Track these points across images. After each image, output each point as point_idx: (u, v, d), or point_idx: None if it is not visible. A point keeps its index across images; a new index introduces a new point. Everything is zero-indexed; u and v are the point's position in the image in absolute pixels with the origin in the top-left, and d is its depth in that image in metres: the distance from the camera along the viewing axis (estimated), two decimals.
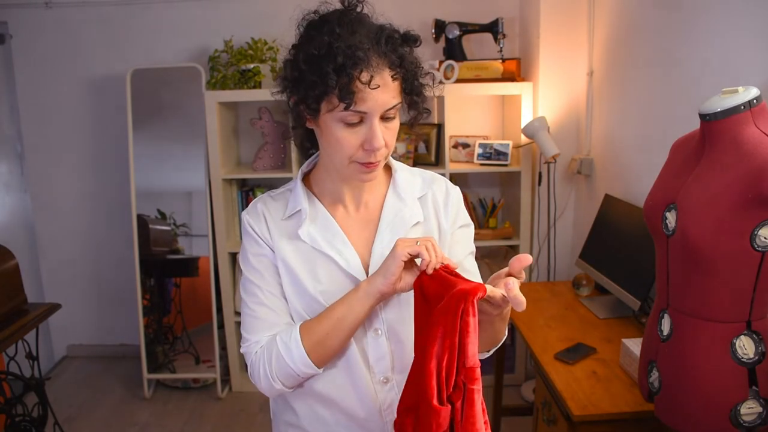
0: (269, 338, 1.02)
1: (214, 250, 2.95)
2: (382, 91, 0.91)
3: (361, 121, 0.93)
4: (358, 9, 0.95)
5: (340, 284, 1.02)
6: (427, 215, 1.09)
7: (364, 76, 0.89)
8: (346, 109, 0.90)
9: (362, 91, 0.90)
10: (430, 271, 0.90)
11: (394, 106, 0.94)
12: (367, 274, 1.02)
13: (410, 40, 0.97)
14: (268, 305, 1.04)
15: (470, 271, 1.10)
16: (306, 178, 1.11)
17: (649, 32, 2.17)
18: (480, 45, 3.03)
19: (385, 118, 0.95)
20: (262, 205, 1.08)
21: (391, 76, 0.92)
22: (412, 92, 0.98)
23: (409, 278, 0.95)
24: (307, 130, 1.05)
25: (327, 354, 1.00)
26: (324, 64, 0.89)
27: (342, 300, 0.99)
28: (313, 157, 1.12)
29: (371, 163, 0.96)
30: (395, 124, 0.98)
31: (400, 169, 1.12)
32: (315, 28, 0.94)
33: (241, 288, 1.08)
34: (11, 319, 2.06)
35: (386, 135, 0.95)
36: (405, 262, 0.93)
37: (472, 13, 2.96)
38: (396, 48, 0.94)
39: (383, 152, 0.96)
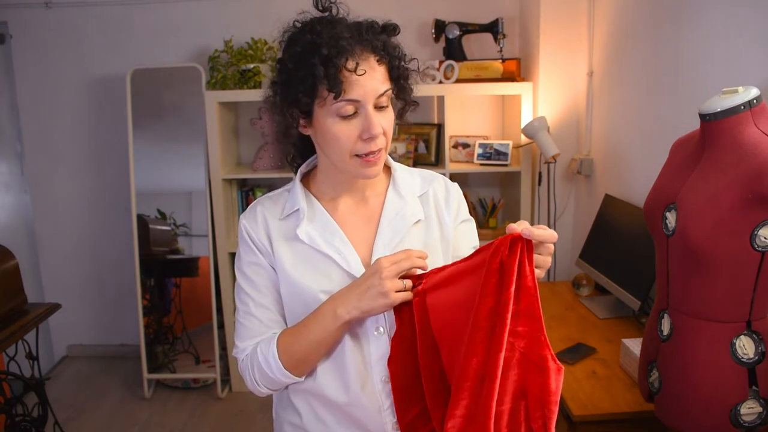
0: (253, 347, 1.05)
1: (214, 250, 2.95)
2: (370, 77, 0.93)
3: (355, 113, 0.94)
4: (333, 11, 0.97)
5: (341, 284, 1.01)
6: (428, 214, 1.08)
7: (350, 64, 0.91)
8: (336, 98, 0.91)
9: (350, 79, 0.91)
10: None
11: (385, 92, 0.95)
12: None
13: (389, 28, 0.99)
14: (257, 315, 1.06)
15: None
16: (305, 179, 1.11)
17: (649, 32, 2.17)
18: (480, 45, 3.03)
19: (378, 108, 0.95)
20: (262, 207, 1.08)
21: (377, 61, 0.94)
22: (399, 77, 0.99)
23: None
24: (298, 141, 1.07)
25: (308, 368, 1.03)
26: (310, 58, 0.91)
27: (317, 321, 0.99)
28: (311, 158, 1.11)
29: (373, 154, 0.96)
30: (389, 113, 0.98)
31: (399, 168, 1.12)
32: (296, 33, 0.96)
33: (235, 294, 1.10)
34: (11, 319, 2.05)
35: (383, 123, 0.96)
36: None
37: (472, 13, 2.96)
38: (377, 35, 0.96)
39: (382, 140, 0.96)
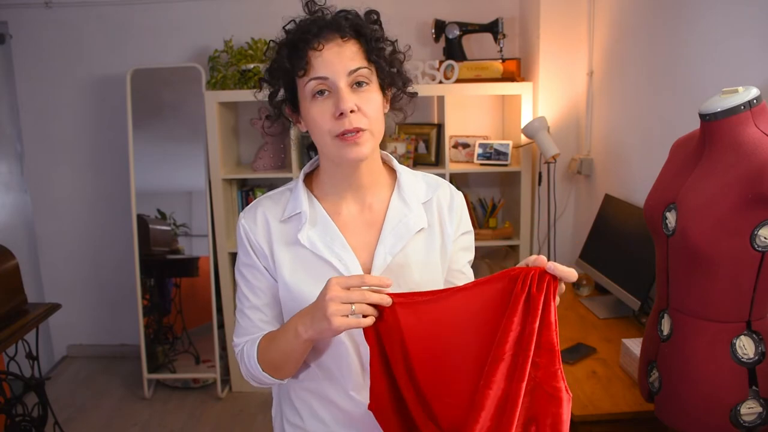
0: (243, 345, 1.07)
1: (214, 250, 2.95)
2: (335, 53, 0.94)
3: (329, 93, 0.95)
4: (324, 14, 0.98)
5: None
6: (432, 221, 1.07)
7: (314, 43, 0.93)
8: (303, 76, 0.94)
9: (313, 56, 0.94)
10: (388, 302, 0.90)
11: (357, 70, 0.94)
12: None
13: (367, 13, 1.00)
14: (249, 316, 1.07)
15: (469, 277, 1.12)
16: (308, 179, 1.10)
17: (649, 32, 2.17)
18: (480, 45, 3.03)
19: (355, 85, 0.95)
20: (262, 208, 1.07)
21: (341, 37, 0.95)
22: (379, 57, 0.98)
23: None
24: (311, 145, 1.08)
25: (286, 373, 1.03)
26: (282, 46, 0.97)
27: (286, 333, 0.97)
28: (315, 158, 1.11)
29: (349, 132, 0.94)
30: (371, 94, 0.97)
31: (404, 172, 1.10)
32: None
33: (236, 290, 1.11)
34: (11, 319, 2.06)
35: (361, 102, 0.94)
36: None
37: (472, 13, 2.96)
38: (346, 17, 0.97)
39: (358, 119, 0.94)
